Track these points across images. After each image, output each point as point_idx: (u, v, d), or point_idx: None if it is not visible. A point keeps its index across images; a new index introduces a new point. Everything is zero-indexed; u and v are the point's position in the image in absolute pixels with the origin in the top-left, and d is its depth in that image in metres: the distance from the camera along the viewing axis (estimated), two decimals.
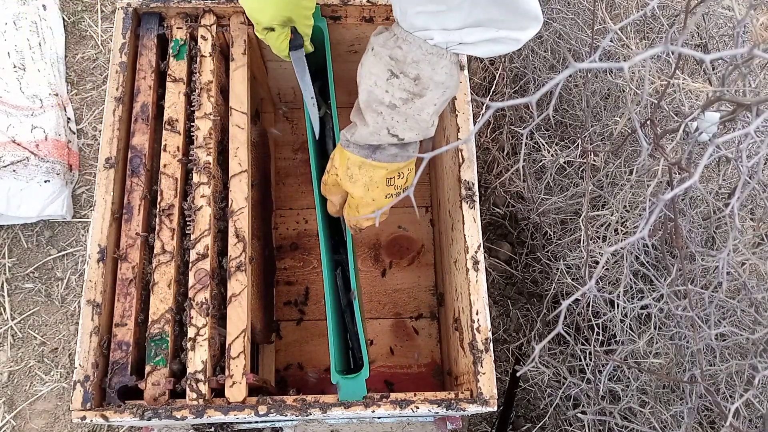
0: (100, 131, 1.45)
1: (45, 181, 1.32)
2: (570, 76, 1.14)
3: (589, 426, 0.92)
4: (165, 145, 0.82)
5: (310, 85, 0.85)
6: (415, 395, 0.73)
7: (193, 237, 0.79)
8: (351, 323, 0.87)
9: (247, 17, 0.87)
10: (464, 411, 0.72)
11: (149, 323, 0.75)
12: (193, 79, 0.86)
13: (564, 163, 1.13)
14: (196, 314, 0.75)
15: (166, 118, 0.84)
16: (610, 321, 0.94)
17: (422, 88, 0.67)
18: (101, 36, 1.55)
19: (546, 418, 1.07)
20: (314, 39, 0.89)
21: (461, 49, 0.66)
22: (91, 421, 0.70)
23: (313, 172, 0.84)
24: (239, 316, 0.76)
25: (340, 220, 0.88)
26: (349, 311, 0.88)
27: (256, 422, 0.80)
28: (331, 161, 0.78)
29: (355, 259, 0.84)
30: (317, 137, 0.87)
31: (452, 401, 0.72)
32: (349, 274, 0.83)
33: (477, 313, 0.76)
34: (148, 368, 0.73)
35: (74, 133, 1.44)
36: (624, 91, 1.06)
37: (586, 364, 0.94)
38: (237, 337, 0.75)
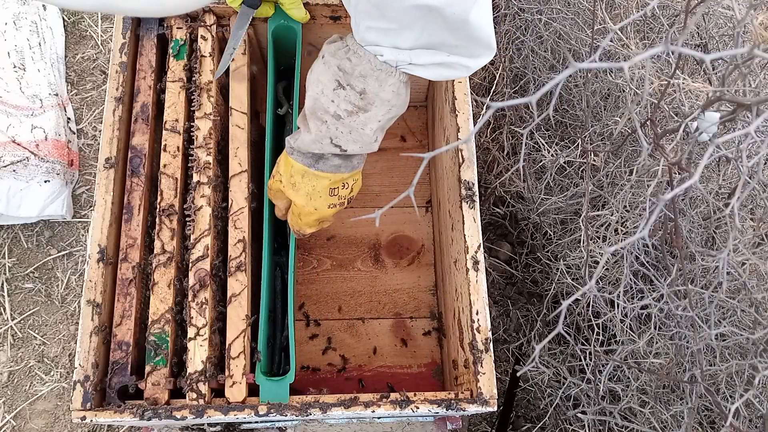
0: (100, 131, 1.45)
1: (45, 181, 1.32)
2: (570, 76, 1.14)
3: (589, 426, 0.92)
4: (165, 145, 0.82)
5: (239, 39, 0.84)
6: (415, 395, 0.73)
7: (193, 237, 0.79)
8: (282, 324, 0.88)
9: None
10: (464, 411, 0.72)
11: (149, 323, 0.75)
12: (193, 79, 0.86)
13: (564, 163, 1.13)
14: (196, 314, 0.75)
15: (166, 118, 0.84)
16: (610, 321, 0.94)
17: (367, 103, 0.67)
18: (101, 36, 1.55)
19: (546, 418, 1.07)
20: (286, 39, 0.90)
21: (410, 69, 0.65)
22: (91, 421, 0.70)
23: (266, 170, 0.84)
24: (239, 316, 0.76)
25: (285, 222, 0.89)
26: (282, 313, 0.88)
27: (257, 422, 0.80)
28: (277, 166, 0.77)
29: (295, 263, 0.84)
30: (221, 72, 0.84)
31: (452, 401, 0.72)
32: (288, 277, 0.83)
33: (477, 313, 0.76)
34: (148, 368, 0.73)
35: (74, 133, 1.44)
36: (624, 91, 1.06)
37: (586, 364, 0.94)
38: (237, 337, 0.75)
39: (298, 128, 0.73)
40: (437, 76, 0.65)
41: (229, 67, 0.88)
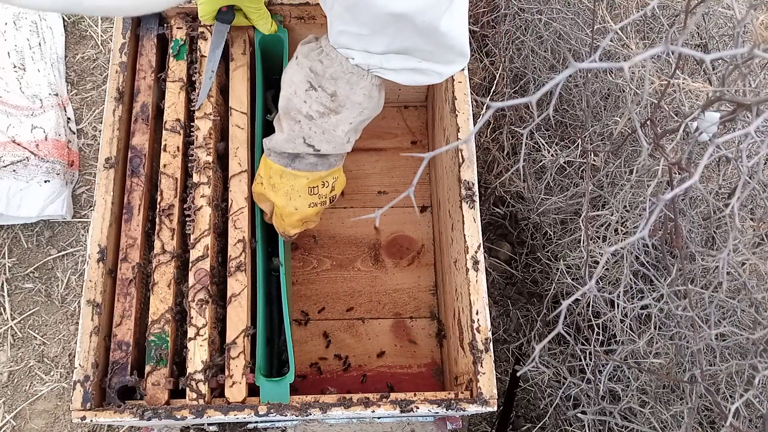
0: (100, 131, 1.45)
1: (45, 181, 1.32)
2: (570, 76, 1.14)
3: (589, 426, 0.92)
4: (165, 145, 0.82)
5: (217, 60, 0.84)
6: (415, 395, 0.73)
7: (193, 237, 0.79)
8: (279, 328, 0.88)
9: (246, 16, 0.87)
10: (464, 411, 0.72)
11: (149, 323, 0.75)
12: (193, 79, 0.86)
13: (564, 163, 1.13)
14: (196, 314, 0.75)
15: (166, 118, 0.84)
16: (610, 321, 0.94)
17: (338, 105, 0.67)
18: (101, 36, 1.55)
19: (546, 418, 1.06)
20: (274, 48, 0.90)
21: (382, 73, 0.65)
22: (91, 421, 0.70)
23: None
24: (239, 316, 0.76)
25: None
26: (279, 316, 0.89)
27: (257, 422, 0.80)
28: (258, 171, 0.78)
29: (288, 267, 0.84)
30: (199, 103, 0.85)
31: (452, 401, 0.72)
32: (281, 281, 0.83)
33: (477, 313, 0.76)
34: (148, 368, 0.73)
35: (74, 133, 1.44)
36: (624, 91, 1.06)
37: (586, 364, 0.94)
38: (237, 337, 0.75)
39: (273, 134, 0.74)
40: (409, 81, 0.65)
41: (229, 67, 0.88)
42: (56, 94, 1.43)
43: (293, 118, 0.69)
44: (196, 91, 0.85)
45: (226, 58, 0.90)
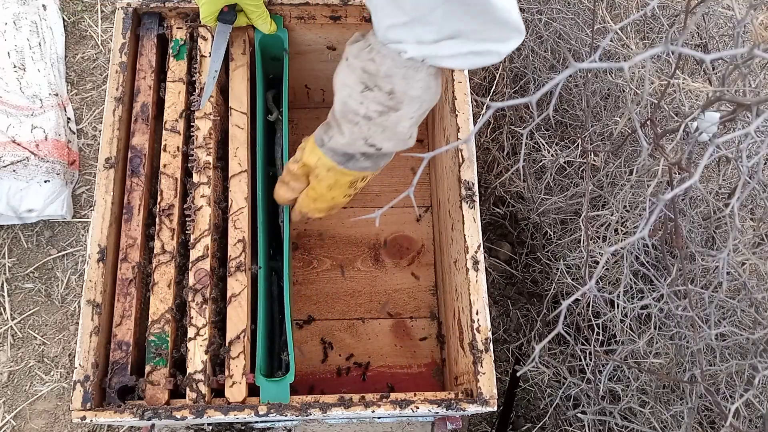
0: (100, 131, 1.45)
1: (45, 181, 1.32)
2: (570, 76, 1.14)
3: (589, 426, 0.92)
4: (165, 145, 0.82)
5: (220, 61, 0.84)
6: (415, 395, 0.73)
7: (193, 237, 0.79)
8: (280, 328, 0.88)
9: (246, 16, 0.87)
10: (464, 411, 0.72)
11: (149, 323, 0.75)
12: (193, 79, 0.86)
13: (564, 163, 1.13)
14: (196, 314, 0.75)
15: (166, 118, 0.84)
16: (610, 321, 0.94)
17: (397, 102, 0.65)
18: (101, 36, 1.55)
19: (546, 418, 1.07)
20: (274, 48, 0.90)
21: (438, 62, 0.62)
22: (91, 421, 0.70)
23: (258, 175, 0.84)
24: (239, 316, 0.76)
25: (279, 227, 0.89)
26: (279, 317, 0.89)
27: (257, 422, 0.80)
28: (301, 151, 0.76)
29: (290, 267, 0.83)
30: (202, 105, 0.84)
31: (452, 401, 0.72)
32: (283, 282, 0.83)
33: (477, 313, 0.76)
34: (148, 368, 0.73)
35: (74, 133, 1.44)
36: (624, 91, 1.06)
37: (586, 364, 0.94)
38: (237, 337, 0.75)
39: (328, 122, 0.72)
40: (467, 65, 0.63)
41: (229, 67, 0.88)
42: (56, 94, 1.43)
43: (351, 121, 0.67)
44: (197, 91, 0.85)
45: (226, 58, 0.91)
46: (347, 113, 0.67)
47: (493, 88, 1.31)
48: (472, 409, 0.72)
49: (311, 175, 0.75)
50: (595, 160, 1.02)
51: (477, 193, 0.81)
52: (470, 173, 0.82)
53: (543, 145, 1.10)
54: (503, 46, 0.61)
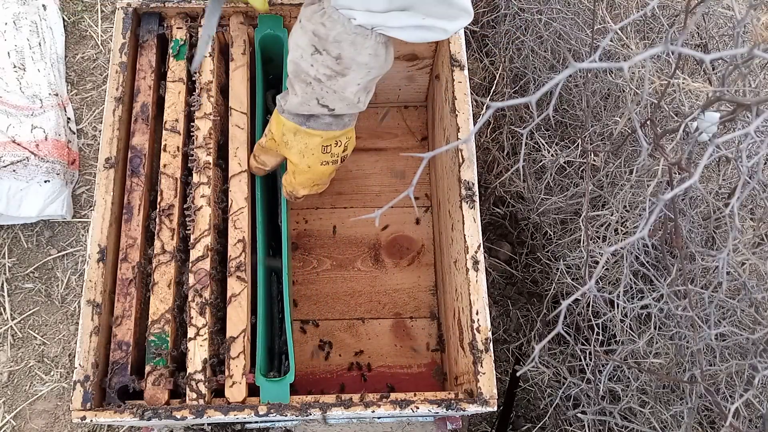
0: (100, 131, 1.45)
1: (45, 181, 1.32)
2: (570, 76, 1.14)
3: (589, 426, 0.92)
4: (165, 145, 0.82)
5: (214, 27, 0.82)
6: (415, 395, 0.73)
7: (193, 237, 0.79)
8: (279, 329, 0.88)
9: (246, 17, 0.87)
10: (464, 411, 0.72)
11: (149, 323, 0.75)
12: (193, 79, 0.86)
13: (564, 163, 1.13)
14: (196, 314, 0.75)
15: (166, 118, 0.84)
16: (610, 321, 0.94)
17: (344, 68, 0.66)
18: (101, 36, 1.55)
19: (546, 418, 1.06)
20: (274, 49, 0.90)
21: (386, 31, 0.64)
22: (91, 421, 0.70)
23: (258, 178, 0.85)
24: (239, 316, 0.76)
25: (279, 227, 0.89)
26: (279, 316, 0.89)
27: (257, 422, 0.80)
28: (269, 126, 0.78)
29: (290, 267, 0.83)
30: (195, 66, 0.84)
31: (452, 401, 0.72)
32: (282, 281, 0.83)
33: (477, 313, 0.76)
34: (148, 368, 0.73)
35: (74, 133, 1.44)
36: (624, 91, 1.06)
37: (586, 364, 0.94)
38: (237, 337, 0.75)
39: (285, 89, 0.74)
40: (414, 38, 0.64)
41: (229, 68, 0.88)
42: (56, 94, 1.43)
43: (303, 81, 0.69)
44: (197, 90, 0.85)
45: (226, 57, 0.91)
46: (299, 73, 0.68)
47: (493, 88, 1.31)
48: (472, 409, 0.72)
49: (283, 149, 0.76)
50: (595, 160, 1.02)
51: (477, 193, 0.81)
52: (470, 173, 0.82)
53: (543, 145, 1.10)
54: (450, 24, 0.63)
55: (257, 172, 0.84)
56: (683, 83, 0.85)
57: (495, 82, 1.30)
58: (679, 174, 0.76)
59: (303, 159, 0.76)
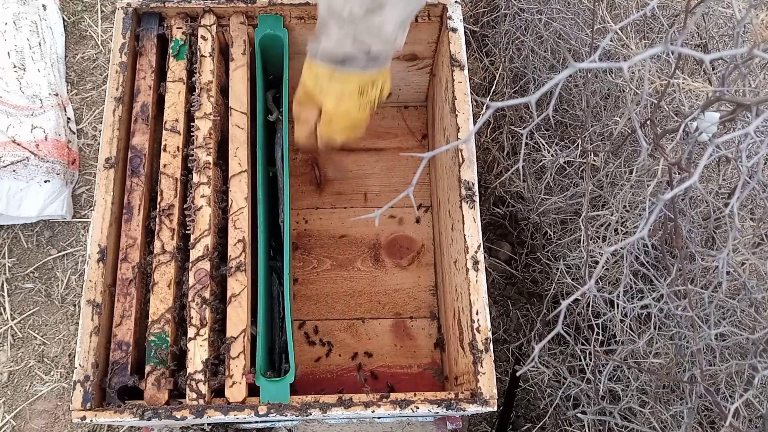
0: (100, 131, 1.45)
1: (45, 181, 1.32)
2: (570, 76, 1.14)
3: (589, 426, 0.92)
4: (165, 145, 0.82)
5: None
6: (415, 395, 0.73)
7: (193, 237, 0.79)
8: (279, 329, 0.88)
9: (246, 17, 0.87)
10: (464, 411, 0.72)
11: (149, 323, 0.75)
12: (193, 79, 0.86)
13: (564, 163, 1.13)
14: (196, 314, 0.75)
15: (166, 118, 0.84)
16: (610, 321, 0.94)
17: (381, 2, 0.63)
18: (101, 36, 1.55)
19: (546, 418, 1.06)
20: (274, 48, 0.89)
21: None
22: (91, 421, 0.70)
23: (258, 175, 0.84)
24: (239, 316, 0.76)
25: (279, 227, 0.89)
26: (280, 316, 0.89)
27: (257, 422, 0.80)
28: (302, 79, 0.75)
29: (290, 267, 0.83)
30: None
31: (452, 401, 0.72)
32: (283, 282, 0.83)
33: (477, 313, 0.76)
34: (148, 368, 0.73)
35: (74, 133, 1.44)
36: (624, 91, 1.06)
37: (586, 364, 0.94)
38: (237, 337, 0.75)
39: (315, 35, 0.70)
40: None
41: (229, 68, 0.88)
42: (56, 94, 1.43)
43: (337, 21, 0.66)
44: (197, 90, 0.85)
45: (226, 57, 0.91)
46: (333, 13, 0.65)
47: (493, 88, 1.31)
48: (472, 409, 0.72)
49: (318, 96, 0.73)
50: (595, 160, 1.02)
51: (477, 193, 0.81)
52: (470, 173, 0.82)
53: (543, 145, 1.10)
54: None
55: (307, 137, 0.79)
56: (683, 83, 0.85)
57: (495, 82, 1.30)
58: (679, 174, 0.76)
59: (340, 104, 0.72)
